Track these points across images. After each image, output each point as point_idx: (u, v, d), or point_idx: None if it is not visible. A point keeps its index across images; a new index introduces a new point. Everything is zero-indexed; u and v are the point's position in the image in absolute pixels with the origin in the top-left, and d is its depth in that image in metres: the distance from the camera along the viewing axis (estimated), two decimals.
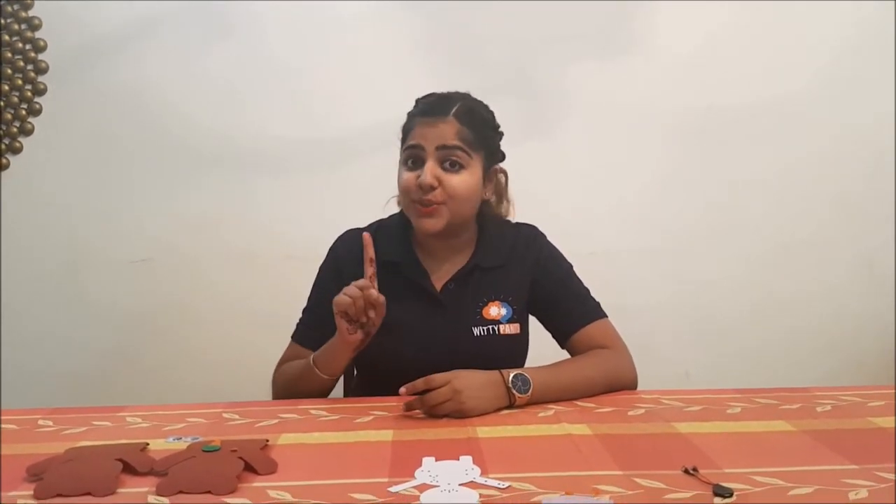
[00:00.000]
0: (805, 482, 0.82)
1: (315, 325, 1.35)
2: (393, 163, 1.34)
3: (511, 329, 1.31)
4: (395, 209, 1.39)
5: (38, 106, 2.25)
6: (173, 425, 1.08)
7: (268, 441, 0.97)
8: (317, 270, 1.41)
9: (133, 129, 2.28)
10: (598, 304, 1.37)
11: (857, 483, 0.81)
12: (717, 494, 0.79)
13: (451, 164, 1.26)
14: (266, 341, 2.28)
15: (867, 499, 0.77)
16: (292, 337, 1.39)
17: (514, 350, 1.33)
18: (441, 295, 1.31)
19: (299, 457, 0.93)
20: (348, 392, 1.60)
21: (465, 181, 1.27)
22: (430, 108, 1.29)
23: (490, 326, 1.30)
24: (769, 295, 2.38)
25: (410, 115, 1.32)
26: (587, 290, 1.38)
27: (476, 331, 1.30)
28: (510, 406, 1.13)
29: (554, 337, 1.36)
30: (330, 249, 1.40)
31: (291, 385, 1.29)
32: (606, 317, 1.35)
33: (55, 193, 2.28)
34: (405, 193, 1.28)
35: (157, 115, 2.27)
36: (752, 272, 2.38)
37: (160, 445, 0.99)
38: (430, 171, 1.24)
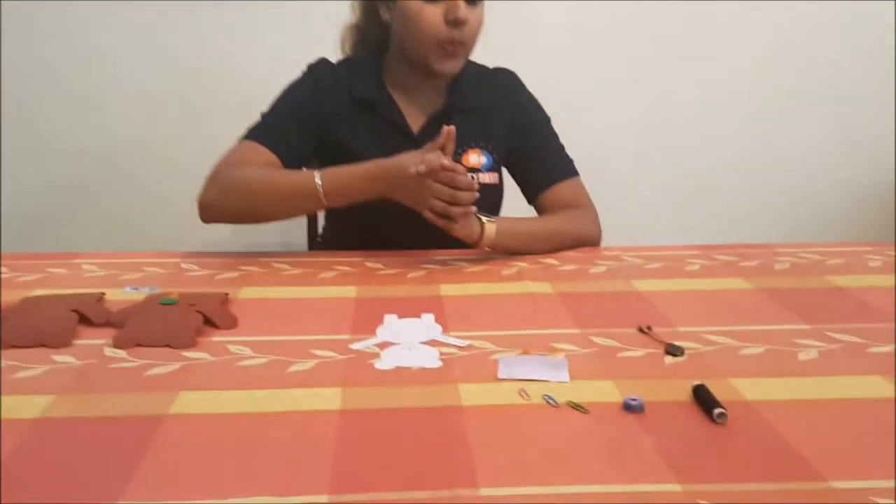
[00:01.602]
0: (756, 341, 0.84)
1: (283, 136, 1.22)
2: None
3: (490, 178, 1.29)
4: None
5: None
6: (130, 275, 1.07)
7: (228, 295, 0.96)
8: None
9: None
10: (571, 161, 1.34)
11: (807, 344, 0.83)
12: (668, 353, 0.81)
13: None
14: None
15: (816, 360, 0.79)
16: (253, 136, 1.21)
17: (492, 200, 1.31)
18: (418, 138, 1.26)
19: (260, 312, 0.93)
20: (313, 245, 1.59)
21: (480, 16, 1.20)
22: None
23: (470, 174, 1.26)
24: (739, 149, 2.36)
25: None
26: (562, 146, 1.35)
27: None
28: (477, 244, 1.13)
29: (523, 191, 1.34)
30: (309, 71, 1.28)
31: (264, 192, 1.13)
32: (578, 175, 1.33)
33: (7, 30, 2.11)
34: (430, 34, 1.16)
35: None
36: (723, 126, 2.34)
37: (116, 295, 0.97)
38: (463, 5, 1.15)
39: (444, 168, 1.03)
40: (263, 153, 1.19)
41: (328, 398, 0.70)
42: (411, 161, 1.05)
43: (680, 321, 0.90)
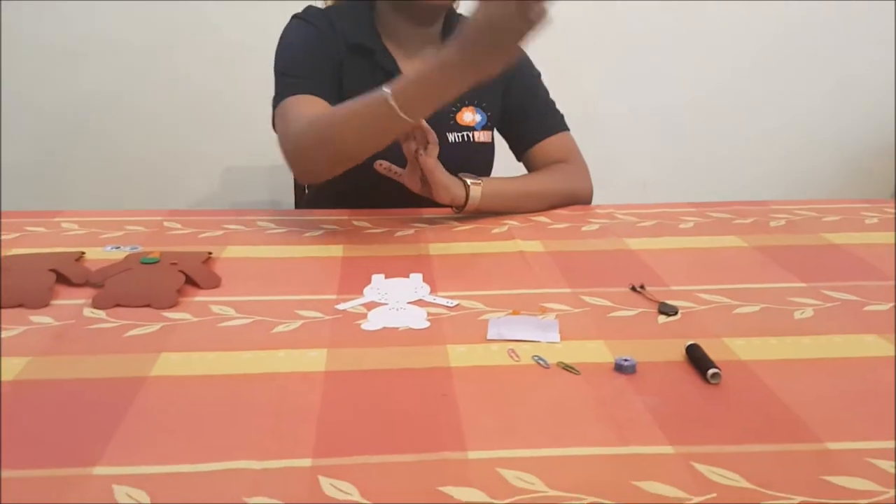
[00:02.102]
0: (751, 300, 0.82)
1: (315, 81, 1.13)
2: None
3: (484, 137, 1.26)
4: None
5: None
6: (111, 233, 1.04)
7: (210, 254, 0.94)
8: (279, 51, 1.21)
9: None
10: (562, 116, 1.31)
11: (803, 302, 0.82)
12: (661, 313, 0.79)
13: None
14: (212, 143, 2.20)
15: (811, 318, 0.78)
16: (291, 92, 1.12)
17: (485, 160, 1.29)
18: None
19: (244, 271, 0.90)
20: (300, 204, 1.56)
21: None
22: None
23: (465, 133, 1.24)
24: (734, 105, 2.34)
25: None
26: (552, 101, 1.31)
27: (450, 137, 1.22)
28: (462, 208, 1.10)
29: (512, 148, 1.31)
30: (300, 18, 1.21)
31: (341, 125, 0.99)
32: (569, 130, 1.30)
33: None
34: None
35: None
36: (720, 81, 2.31)
37: (97, 255, 0.95)
38: None
39: None
40: (313, 101, 1.11)
41: (313, 359, 0.68)
42: (479, 21, 0.87)
43: (673, 280, 0.88)
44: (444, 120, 1.22)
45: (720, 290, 0.85)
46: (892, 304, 0.81)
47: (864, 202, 1.23)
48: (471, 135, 1.24)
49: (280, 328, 0.74)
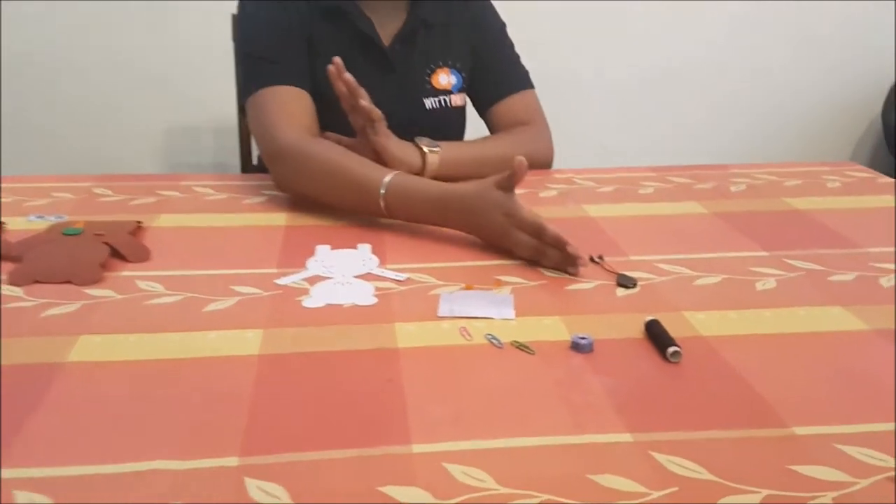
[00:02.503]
0: (712, 270, 0.79)
1: (290, 67, 1.07)
2: None
3: (460, 100, 1.20)
4: None
5: None
6: (36, 201, 0.97)
7: (140, 223, 0.87)
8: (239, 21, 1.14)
9: None
10: (527, 72, 1.25)
11: (765, 272, 0.79)
12: (620, 285, 0.76)
13: None
14: (153, 101, 2.10)
15: (774, 289, 0.75)
16: (268, 82, 1.05)
17: (460, 124, 1.24)
18: (388, 52, 1.13)
19: (177, 242, 0.84)
20: (248, 169, 1.48)
21: None
22: None
23: (441, 98, 1.18)
24: (696, 63, 2.30)
25: None
26: (518, 56, 1.25)
27: (427, 103, 1.17)
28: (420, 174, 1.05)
29: (474, 102, 1.25)
30: None
31: (332, 178, 0.95)
32: (533, 87, 1.24)
33: None
34: None
35: None
36: (681, 41, 2.27)
37: (19, 225, 0.88)
38: None
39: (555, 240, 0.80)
40: (294, 95, 1.05)
41: (248, 341, 0.63)
42: (496, 204, 0.84)
43: (632, 249, 0.85)
44: (419, 84, 1.17)
45: (680, 259, 0.82)
46: (857, 274, 0.79)
47: (824, 165, 1.21)
48: (448, 99, 1.18)
49: (212, 306, 0.69)
